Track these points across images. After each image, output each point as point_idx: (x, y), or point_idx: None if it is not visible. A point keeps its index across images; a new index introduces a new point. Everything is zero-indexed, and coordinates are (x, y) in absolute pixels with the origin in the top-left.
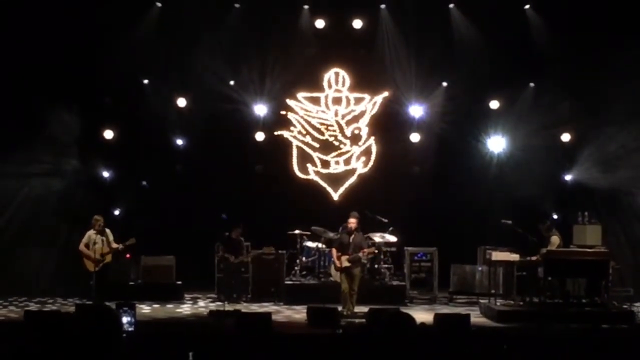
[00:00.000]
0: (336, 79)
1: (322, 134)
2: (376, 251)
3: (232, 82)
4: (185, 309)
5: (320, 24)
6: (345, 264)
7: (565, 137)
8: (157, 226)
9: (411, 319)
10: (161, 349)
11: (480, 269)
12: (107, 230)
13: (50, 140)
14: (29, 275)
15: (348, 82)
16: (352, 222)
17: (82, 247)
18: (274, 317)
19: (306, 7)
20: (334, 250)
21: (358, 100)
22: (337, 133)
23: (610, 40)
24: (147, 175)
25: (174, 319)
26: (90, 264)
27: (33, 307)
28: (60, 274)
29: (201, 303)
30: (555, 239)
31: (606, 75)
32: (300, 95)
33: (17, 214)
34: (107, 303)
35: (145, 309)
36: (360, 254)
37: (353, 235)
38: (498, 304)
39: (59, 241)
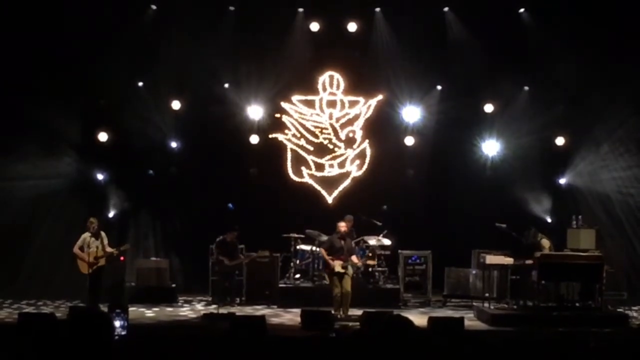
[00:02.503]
0: (331, 82)
1: (317, 137)
2: (375, 263)
3: (226, 85)
4: (189, 312)
5: (315, 26)
6: (339, 269)
7: (560, 141)
8: (151, 229)
9: (409, 322)
10: (154, 353)
11: (474, 272)
12: (102, 234)
13: (45, 142)
14: (24, 277)
15: (342, 85)
16: (343, 225)
17: (76, 249)
18: (268, 320)
19: (301, 10)
20: (323, 251)
21: (352, 104)
22: (332, 136)
23: (605, 44)
24: (141, 178)
25: (167, 323)
26: (84, 267)
27: (27, 309)
28: (54, 276)
29: (198, 306)
30: (545, 242)
31: (600, 78)
32: (295, 98)
33: (12, 215)
34: (101, 306)
35: (147, 312)
36: (358, 263)
37: (345, 240)
38: (492, 307)
39: (54, 243)
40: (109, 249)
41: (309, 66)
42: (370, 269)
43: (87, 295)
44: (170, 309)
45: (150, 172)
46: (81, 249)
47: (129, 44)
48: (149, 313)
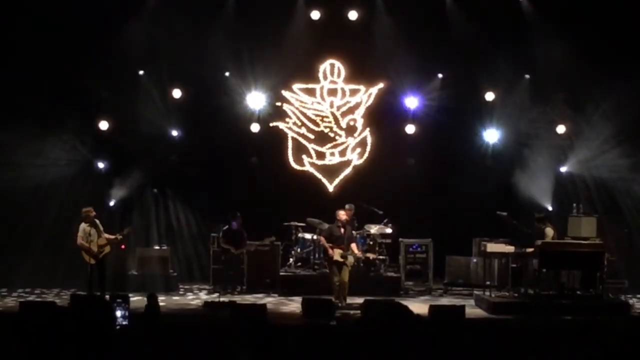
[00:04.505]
0: (331, 70)
1: (318, 125)
2: (376, 256)
3: (227, 74)
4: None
5: (315, 15)
6: (338, 257)
7: (560, 129)
8: (153, 217)
9: (407, 309)
10: (155, 341)
11: (475, 260)
12: (97, 221)
13: (45, 132)
14: (28, 267)
15: (343, 73)
16: (342, 214)
17: (80, 241)
18: (268, 308)
19: None
20: (323, 239)
21: (353, 92)
22: (333, 124)
23: (606, 32)
24: (142, 166)
25: (167, 311)
26: (91, 257)
27: (31, 298)
28: (49, 265)
29: (203, 295)
30: (549, 231)
31: (601, 66)
32: (296, 86)
33: (14, 205)
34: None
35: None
36: (359, 253)
37: (345, 228)
38: (493, 295)
39: (56, 233)
40: (109, 236)
41: (309, 54)
42: (370, 258)
43: (88, 284)
44: (176, 297)
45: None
46: (82, 239)
47: (130, 33)
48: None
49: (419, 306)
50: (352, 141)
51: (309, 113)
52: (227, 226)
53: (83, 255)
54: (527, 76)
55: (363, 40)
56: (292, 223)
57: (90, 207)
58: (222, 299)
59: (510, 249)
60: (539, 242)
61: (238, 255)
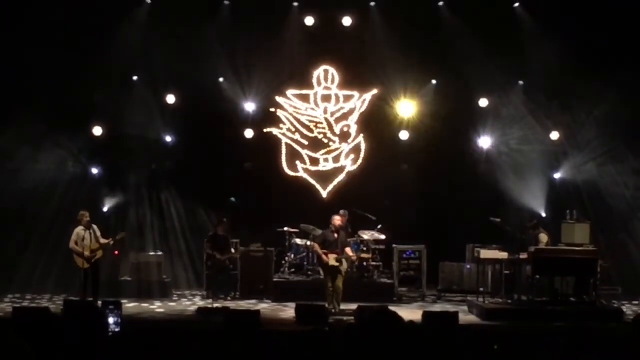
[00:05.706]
0: (325, 76)
1: (312, 131)
2: (370, 256)
3: (221, 79)
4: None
5: (309, 21)
6: (333, 262)
7: (554, 136)
8: (146, 223)
9: (397, 316)
10: (148, 348)
11: (468, 266)
12: (94, 226)
13: (40, 137)
14: (21, 272)
15: (337, 79)
16: (337, 219)
17: (72, 245)
18: (262, 314)
19: (296, 4)
20: (316, 246)
21: (347, 98)
22: (327, 130)
23: (599, 40)
24: (136, 172)
25: (161, 317)
26: (82, 261)
27: (24, 303)
28: (52, 271)
29: (198, 301)
30: (543, 237)
31: (594, 72)
32: (290, 92)
33: (10, 210)
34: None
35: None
36: (353, 256)
37: (338, 233)
38: (486, 302)
39: (50, 238)
40: (103, 240)
41: (303, 60)
42: (365, 263)
43: (81, 289)
44: (171, 303)
45: (153, 166)
46: (76, 243)
47: (124, 38)
48: (155, 308)
49: (412, 312)
50: (346, 147)
51: (303, 119)
52: (212, 232)
53: (75, 259)
54: (521, 82)
55: (357, 46)
56: (286, 229)
57: (86, 212)
58: (216, 305)
59: (503, 255)
60: (532, 248)
61: (225, 261)
